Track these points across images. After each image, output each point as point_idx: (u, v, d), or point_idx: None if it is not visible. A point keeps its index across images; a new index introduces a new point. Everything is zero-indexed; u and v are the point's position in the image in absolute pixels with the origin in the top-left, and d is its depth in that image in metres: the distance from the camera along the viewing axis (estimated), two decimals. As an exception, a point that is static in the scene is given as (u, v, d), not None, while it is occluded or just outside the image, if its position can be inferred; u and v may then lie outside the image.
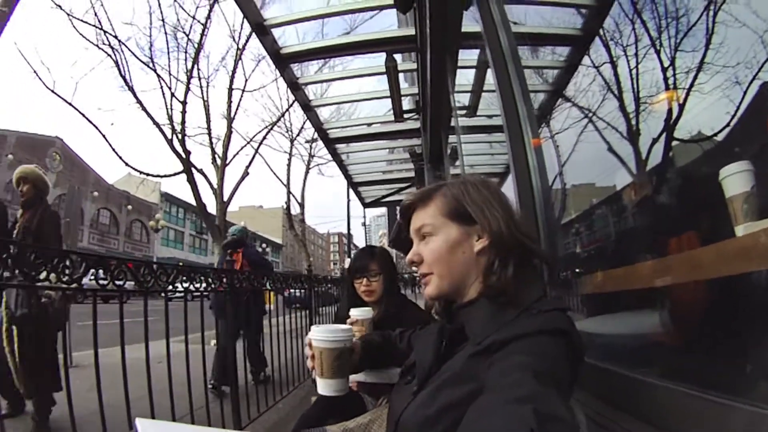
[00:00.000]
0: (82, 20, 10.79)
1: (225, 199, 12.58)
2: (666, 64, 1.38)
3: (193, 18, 11.99)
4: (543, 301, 1.06)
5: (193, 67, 11.95)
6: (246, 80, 15.50)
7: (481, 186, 1.22)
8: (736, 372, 1.07)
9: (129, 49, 11.65)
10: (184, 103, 11.66)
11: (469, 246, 1.16)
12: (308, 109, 6.99)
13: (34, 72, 11.01)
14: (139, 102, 11.30)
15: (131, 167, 11.81)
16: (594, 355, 1.57)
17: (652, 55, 1.45)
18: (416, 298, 11.91)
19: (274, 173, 18.69)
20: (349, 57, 7.15)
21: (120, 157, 11.58)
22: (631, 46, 1.59)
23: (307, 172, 21.11)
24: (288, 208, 20.54)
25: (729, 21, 1.08)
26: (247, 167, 14.19)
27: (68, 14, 10.71)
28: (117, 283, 2.63)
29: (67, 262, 2.36)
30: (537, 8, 2.65)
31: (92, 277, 2.56)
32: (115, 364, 2.70)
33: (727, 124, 1.10)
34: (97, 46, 11.14)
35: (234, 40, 13.29)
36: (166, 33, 12.09)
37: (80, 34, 11.02)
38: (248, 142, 15.13)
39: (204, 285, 3.70)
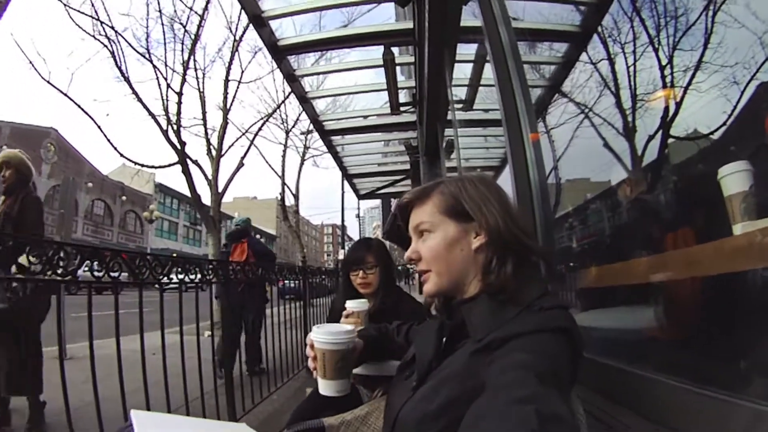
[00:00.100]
0: (78, 11, 10.66)
1: (220, 190, 12.51)
2: (664, 62, 1.38)
3: (191, 9, 11.85)
4: (544, 298, 1.05)
5: (189, 58, 11.81)
6: (242, 72, 15.47)
7: (478, 183, 1.21)
8: (731, 368, 1.08)
9: (125, 40, 11.52)
10: (180, 94, 11.54)
11: (467, 243, 1.16)
12: (304, 100, 6.98)
13: (30, 63, 10.88)
14: (134, 93, 11.18)
15: (126, 158, 11.71)
16: (592, 349, 1.59)
17: (650, 53, 1.45)
18: (410, 290, 11.93)
19: (269, 164, 18.66)
20: (346, 49, 7.15)
21: (115, 148, 11.48)
22: (629, 44, 1.60)
23: (302, 164, 21.06)
24: (282, 199, 20.47)
25: (728, 21, 1.09)
26: (242, 158, 14.09)
27: (65, 4, 10.59)
28: (112, 274, 2.63)
29: (62, 254, 2.35)
30: (536, 4, 2.65)
31: (86, 269, 2.54)
32: (109, 356, 2.69)
33: (724, 123, 1.11)
34: (93, 36, 10.99)
35: (231, 31, 13.14)
36: (162, 24, 11.93)
37: (77, 24, 10.88)
38: (243, 134, 15.00)
39: (199, 276, 3.70)
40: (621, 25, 1.67)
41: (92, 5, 10.72)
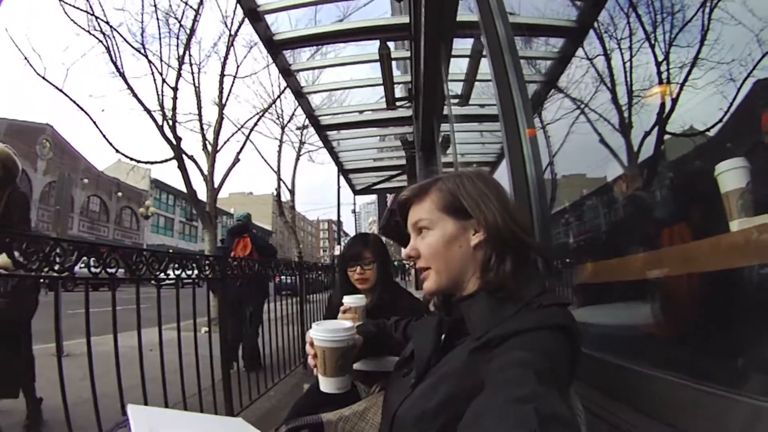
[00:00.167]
0: (73, 5, 10.62)
1: (215, 185, 12.50)
2: (660, 58, 1.39)
3: (186, 3, 11.81)
4: (543, 295, 1.06)
5: (184, 53, 11.77)
6: (238, 66, 15.37)
7: (476, 179, 1.21)
8: (729, 364, 1.09)
9: (120, 35, 11.48)
10: (175, 89, 11.52)
11: (466, 240, 1.16)
12: (300, 95, 6.97)
13: (25, 58, 10.83)
14: (130, 88, 11.15)
15: (122, 154, 11.69)
16: (590, 345, 1.60)
17: (647, 49, 1.46)
18: (406, 285, 11.93)
19: (265, 160, 18.67)
20: (342, 44, 7.14)
21: (110, 144, 11.45)
22: (625, 40, 1.60)
23: (297, 159, 21.01)
24: (278, 194, 20.46)
25: (724, 18, 1.09)
26: (238, 154, 14.04)
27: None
28: (109, 271, 2.63)
29: (58, 250, 2.34)
30: (532, -1, 2.65)
31: (83, 265, 2.54)
32: (107, 353, 2.69)
33: (720, 120, 1.12)
34: (88, 32, 10.96)
35: (226, 26, 13.11)
36: (158, 18, 11.88)
37: (71, 19, 10.84)
38: (239, 129, 14.96)
39: (196, 272, 3.70)
40: (617, 21, 1.68)
41: (87, 0, 10.69)
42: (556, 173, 2.37)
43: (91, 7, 10.73)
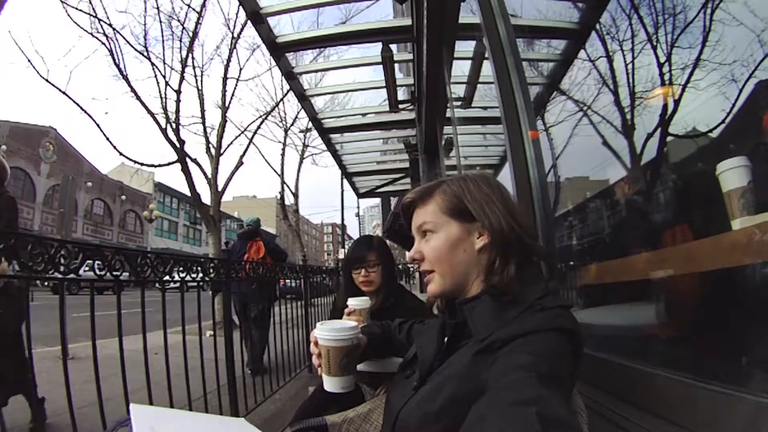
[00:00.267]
0: (76, 8, 10.65)
1: (219, 189, 12.52)
2: (662, 59, 1.39)
3: (189, 6, 11.83)
4: (546, 298, 1.05)
5: (187, 55, 11.79)
6: (240, 69, 15.43)
7: (481, 182, 1.21)
8: (732, 362, 1.09)
9: (123, 38, 11.57)
10: (178, 92, 11.51)
11: (470, 243, 1.16)
12: (303, 98, 6.97)
13: (28, 60, 10.81)
14: (133, 91, 11.16)
15: (125, 157, 11.69)
16: (595, 346, 1.60)
17: (649, 50, 1.46)
18: (411, 288, 11.92)
19: (268, 163, 18.65)
20: (344, 47, 7.13)
21: (114, 147, 11.45)
22: (627, 41, 1.60)
23: (301, 162, 21.03)
24: (282, 198, 20.48)
25: (726, 19, 1.09)
26: (242, 157, 14.08)
27: (62, 2, 10.58)
28: (114, 273, 2.63)
29: (63, 252, 2.35)
30: (534, 1, 2.65)
31: (87, 269, 2.54)
32: (112, 356, 2.71)
33: (722, 121, 1.12)
34: (91, 34, 10.97)
35: (229, 28, 13.12)
36: (160, 21, 11.90)
37: (74, 22, 10.86)
38: (242, 132, 15.00)
39: (201, 275, 3.71)
40: (619, 22, 1.68)
41: (90, 2, 10.72)
42: (560, 175, 2.37)
43: (93, 9, 10.76)
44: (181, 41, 11.97)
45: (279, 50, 5.46)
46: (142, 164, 12.25)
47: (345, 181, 12.95)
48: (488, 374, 0.94)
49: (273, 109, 16.99)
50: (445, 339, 1.22)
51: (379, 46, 5.46)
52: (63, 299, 2.64)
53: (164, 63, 11.83)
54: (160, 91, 11.61)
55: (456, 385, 1.03)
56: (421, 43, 4.36)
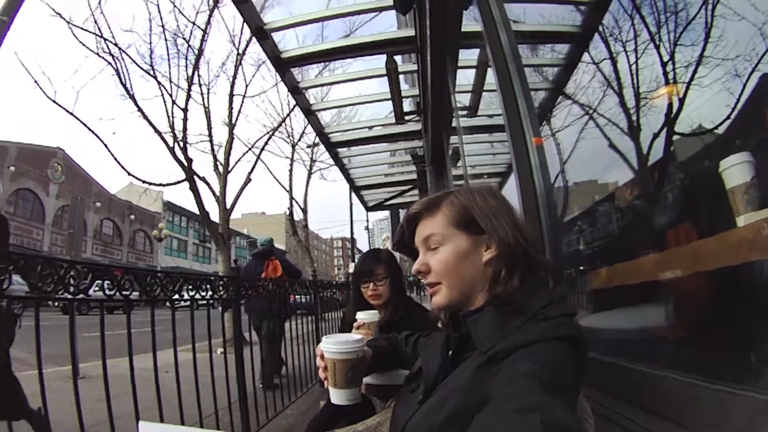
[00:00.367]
0: (82, 28, 10.79)
1: (228, 206, 12.57)
2: (665, 58, 1.38)
3: (194, 24, 11.95)
4: (550, 306, 1.05)
5: (193, 73, 11.87)
6: (246, 86, 15.58)
7: (487, 194, 1.21)
8: (741, 361, 1.07)
9: (129, 57, 11.67)
10: (185, 110, 11.61)
11: (478, 256, 1.15)
12: (309, 113, 7.00)
13: (35, 82, 10.93)
14: (140, 110, 11.25)
15: (133, 176, 11.76)
16: (605, 351, 1.58)
17: (652, 50, 1.45)
18: (421, 300, 11.89)
19: (276, 179, 18.73)
20: (349, 59, 7.18)
21: (122, 167, 11.51)
22: (630, 42, 1.59)
23: (309, 177, 21.08)
24: (291, 214, 20.53)
25: (727, 14, 1.08)
26: (250, 173, 14.10)
27: (68, 22, 10.72)
28: (123, 293, 2.64)
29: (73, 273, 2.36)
30: (536, 6, 2.65)
31: (97, 288, 2.55)
32: (122, 375, 2.70)
33: (728, 117, 1.11)
34: (97, 54, 11.10)
35: (234, 45, 13.24)
36: (166, 39, 12.01)
37: (80, 42, 10.99)
38: (250, 149, 15.06)
39: (210, 293, 3.71)
40: (621, 24, 1.67)
41: (95, 22, 10.85)
42: (568, 180, 2.36)
43: (99, 29, 10.90)
44: (186, 59, 12.10)
45: (284, 65, 5.49)
46: (150, 184, 12.32)
47: (353, 194, 12.96)
48: (491, 385, 0.93)
49: (280, 125, 17.09)
50: (450, 353, 1.21)
51: (383, 57, 5.47)
52: (73, 319, 2.66)
53: (170, 81, 11.95)
54: (166, 110, 11.72)
55: (460, 398, 1.02)
56: (425, 53, 4.36)
